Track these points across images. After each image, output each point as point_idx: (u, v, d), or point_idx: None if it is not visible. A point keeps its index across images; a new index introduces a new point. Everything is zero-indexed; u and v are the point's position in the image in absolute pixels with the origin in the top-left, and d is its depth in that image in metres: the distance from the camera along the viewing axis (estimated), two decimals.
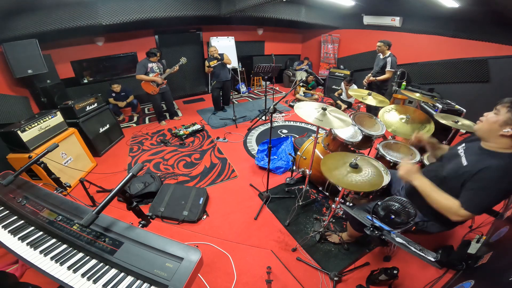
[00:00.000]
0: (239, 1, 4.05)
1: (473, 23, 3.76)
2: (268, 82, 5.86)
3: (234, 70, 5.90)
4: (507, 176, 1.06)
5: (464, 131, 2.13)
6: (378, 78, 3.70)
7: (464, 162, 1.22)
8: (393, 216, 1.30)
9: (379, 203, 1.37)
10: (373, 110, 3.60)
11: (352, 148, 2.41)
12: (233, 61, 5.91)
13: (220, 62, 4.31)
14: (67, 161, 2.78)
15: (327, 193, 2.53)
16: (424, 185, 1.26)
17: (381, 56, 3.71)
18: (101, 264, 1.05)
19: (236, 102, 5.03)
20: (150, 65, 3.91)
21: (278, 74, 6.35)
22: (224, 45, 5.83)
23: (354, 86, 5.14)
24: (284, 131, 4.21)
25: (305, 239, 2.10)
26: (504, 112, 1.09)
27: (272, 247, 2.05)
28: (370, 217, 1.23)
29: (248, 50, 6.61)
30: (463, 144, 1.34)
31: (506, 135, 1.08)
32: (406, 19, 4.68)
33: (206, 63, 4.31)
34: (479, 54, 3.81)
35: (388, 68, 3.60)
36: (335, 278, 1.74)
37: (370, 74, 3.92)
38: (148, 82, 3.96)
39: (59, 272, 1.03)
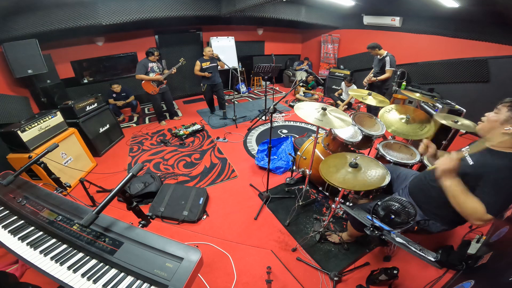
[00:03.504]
0: (239, 1, 4.05)
1: (473, 23, 3.76)
2: (268, 82, 5.86)
3: (235, 69, 5.91)
4: None
5: (464, 131, 2.13)
6: (378, 78, 3.70)
7: (470, 161, 1.22)
8: (393, 216, 1.30)
9: (379, 203, 1.37)
10: (373, 110, 3.61)
11: (352, 148, 2.41)
12: (233, 61, 5.93)
13: (214, 65, 4.30)
14: (67, 161, 2.78)
15: (327, 193, 2.53)
16: (456, 186, 1.15)
17: (379, 57, 3.72)
18: (101, 264, 1.05)
19: (236, 102, 5.03)
20: (150, 64, 3.90)
21: (278, 74, 6.38)
22: (224, 45, 5.84)
23: (354, 86, 5.14)
24: (284, 131, 4.21)
25: (305, 239, 2.10)
26: (505, 111, 1.12)
27: (272, 247, 2.05)
28: (370, 217, 1.23)
29: (248, 50, 6.61)
30: (467, 147, 1.35)
31: (507, 133, 1.09)
32: (406, 19, 4.68)
33: (198, 64, 4.23)
34: (479, 54, 3.81)
35: (387, 67, 3.59)
36: (335, 278, 1.74)
37: (371, 75, 3.91)
38: (149, 82, 3.95)
39: (59, 272, 1.03)
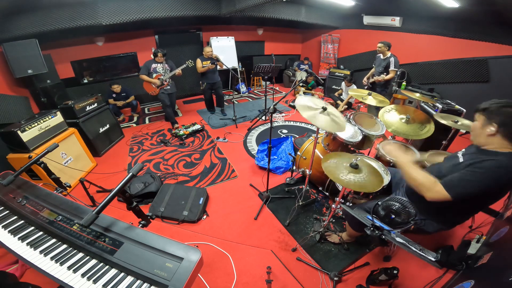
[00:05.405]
0: (239, 1, 4.05)
1: (473, 23, 3.76)
2: (268, 82, 5.86)
3: (234, 69, 5.90)
4: (497, 172, 1.10)
5: (464, 131, 2.13)
6: (385, 78, 3.69)
7: (461, 159, 1.31)
8: (393, 216, 1.31)
9: (379, 203, 1.37)
10: (374, 110, 3.61)
11: (352, 148, 2.41)
12: (233, 61, 5.93)
13: (214, 64, 4.29)
14: (67, 161, 2.78)
15: (327, 193, 2.53)
16: (405, 163, 1.33)
17: (382, 57, 3.72)
18: (101, 264, 1.05)
19: (236, 102, 5.03)
20: (154, 65, 3.89)
21: (278, 74, 6.37)
22: (224, 45, 5.84)
23: (354, 86, 5.14)
24: (284, 131, 4.21)
25: (305, 239, 2.10)
26: (478, 116, 1.24)
27: (272, 247, 2.05)
28: (370, 217, 1.23)
29: (248, 50, 6.61)
30: (463, 150, 1.41)
31: (491, 134, 1.16)
32: (406, 19, 4.68)
33: (199, 62, 4.25)
34: (479, 54, 3.81)
35: (391, 67, 3.61)
36: (335, 278, 1.74)
37: (372, 73, 3.91)
38: (148, 82, 3.95)
39: (59, 272, 1.03)
